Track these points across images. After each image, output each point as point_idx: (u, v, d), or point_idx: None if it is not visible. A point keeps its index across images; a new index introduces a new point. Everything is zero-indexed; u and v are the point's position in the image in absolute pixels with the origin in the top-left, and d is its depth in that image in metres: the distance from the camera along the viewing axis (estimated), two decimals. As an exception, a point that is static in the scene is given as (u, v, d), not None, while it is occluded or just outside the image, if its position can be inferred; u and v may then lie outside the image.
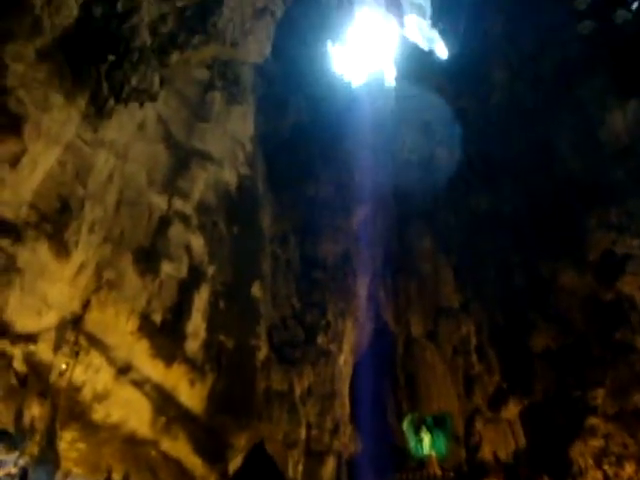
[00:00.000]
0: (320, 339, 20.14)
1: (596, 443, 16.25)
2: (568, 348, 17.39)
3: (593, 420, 16.43)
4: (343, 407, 19.57)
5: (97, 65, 15.52)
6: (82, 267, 15.37)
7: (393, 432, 19.68)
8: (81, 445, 14.76)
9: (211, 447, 16.77)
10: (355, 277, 21.85)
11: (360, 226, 23.15)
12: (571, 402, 16.78)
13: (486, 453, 18.24)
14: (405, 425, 19.41)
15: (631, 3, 17.29)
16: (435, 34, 27.32)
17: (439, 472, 17.51)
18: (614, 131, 17.80)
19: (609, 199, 17.43)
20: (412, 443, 19.00)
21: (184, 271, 18.00)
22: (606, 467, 15.74)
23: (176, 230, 18.15)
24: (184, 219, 18.54)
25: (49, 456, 13.93)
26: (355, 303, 21.46)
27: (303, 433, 18.52)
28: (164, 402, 16.52)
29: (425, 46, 27.86)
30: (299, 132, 24.04)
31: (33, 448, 13.58)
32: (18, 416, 13.64)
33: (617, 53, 17.96)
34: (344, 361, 20.30)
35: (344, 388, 19.95)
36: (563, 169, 18.99)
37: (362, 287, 21.87)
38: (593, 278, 17.15)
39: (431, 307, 21.38)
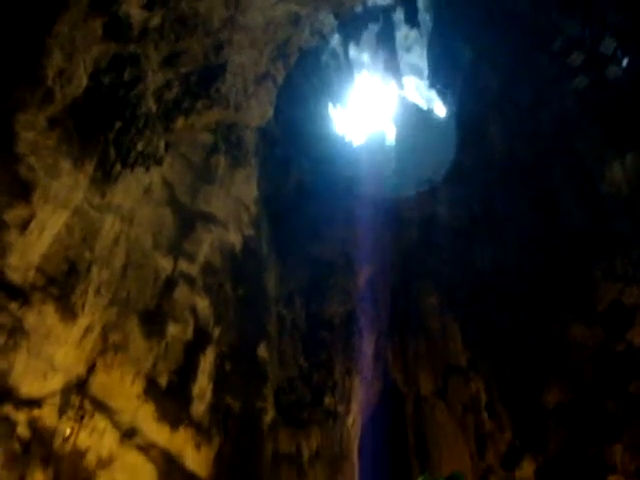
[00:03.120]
0: (327, 400, 19.82)
1: (619, 504, 15.76)
2: (581, 403, 17.06)
3: (613, 478, 15.95)
4: (352, 469, 19.03)
5: (104, 131, 15.98)
6: (88, 330, 15.34)
7: (407, 497, 19.16)
8: (82, 517, 14.35)
9: (217, 514, 16.32)
10: (361, 336, 21.69)
11: (365, 285, 23.15)
12: (588, 459, 16.34)
13: (502, 514, 17.68)
14: (417, 486, 18.94)
15: (621, 59, 17.82)
16: (433, 94, 28.08)
17: (454, 535, 16.94)
18: (614, 183, 18.03)
19: (614, 250, 17.49)
20: (425, 503, 18.50)
21: (190, 333, 17.94)
22: (630, 530, 15.20)
23: (182, 292, 18.19)
24: (190, 281, 18.60)
25: (52, 526, 13.55)
26: (362, 362, 21.21)
27: (314, 494, 18.03)
28: (169, 467, 16.14)
29: (424, 105, 28.60)
30: (302, 193, 24.39)
31: (35, 519, 13.23)
32: (20, 484, 13.35)
33: (612, 107, 18.40)
34: (352, 421, 19.88)
35: (353, 449, 19.46)
36: (566, 222, 19.13)
37: (369, 346, 21.67)
38: (602, 330, 17.02)
39: (440, 365, 21.07)
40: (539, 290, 19.08)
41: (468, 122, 23.09)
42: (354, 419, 20.01)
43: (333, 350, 21.12)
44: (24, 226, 13.81)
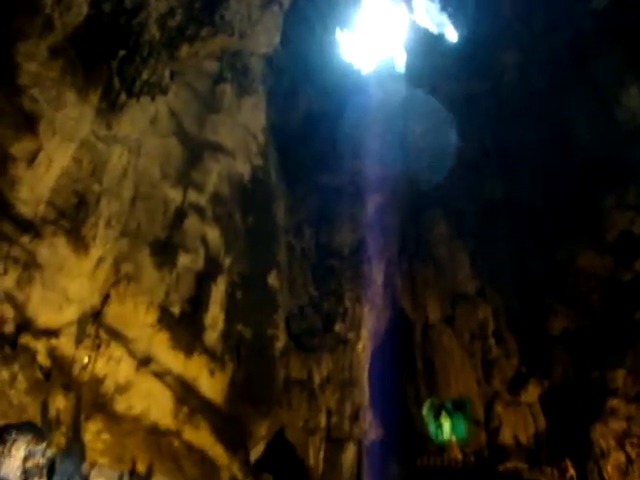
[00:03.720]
0: (338, 327, 20.21)
1: (617, 425, 16.20)
2: (587, 330, 17.31)
3: (614, 402, 16.36)
4: (362, 394, 19.62)
5: (108, 61, 15.64)
6: (100, 261, 15.55)
7: (412, 418, 19.71)
8: (106, 436, 14.95)
9: (233, 436, 16.93)
10: (371, 264, 21.86)
11: (374, 214, 23.14)
12: (591, 384, 16.74)
13: (506, 437, 18.23)
14: (425, 410, 19.52)
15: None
16: (444, 18, 27.04)
17: (460, 456, 17.64)
18: (630, 110, 17.58)
19: (627, 179, 17.27)
20: (432, 428, 19.11)
21: (201, 263, 18.13)
22: (628, 449, 15.69)
23: (191, 222, 18.27)
24: (199, 211, 18.64)
25: (75, 447, 14.18)
26: (372, 290, 21.46)
27: (323, 420, 18.63)
28: (185, 393, 16.70)
29: (434, 30, 27.61)
30: (310, 121, 24.06)
31: (59, 439, 13.82)
32: (44, 409, 13.89)
33: (631, 29, 17.69)
34: (362, 348, 20.33)
35: (363, 375, 20.00)
36: (579, 150, 18.84)
37: (378, 274, 21.87)
38: (611, 259, 17.03)
39: (448, 293, 21.36)
40: (549, 219, 19.00)
41: (480, 47, 22.36)
42: (364, 345, 20.45)
43: (343, 278, 21.36)
44: (32, 159, 13.77)
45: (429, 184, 22.45)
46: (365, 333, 20.59)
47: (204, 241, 18.47)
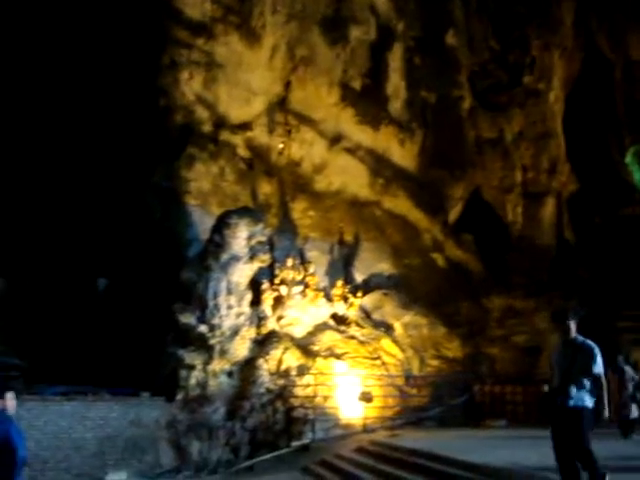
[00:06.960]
0: (526, 79, 18.74)
1: None
2: None
3: None
4: (558, 146, 18.64)
5: None
6: (274, 50, 15.87)
7: (615, 166, 18.55)
8: (312, 213, 16.44)
9: (430, 200, 17.60)
10: (559, 3, 19.37)
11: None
12: None
13: None
14: (629, 158, 18.21)
15: None
16: None
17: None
18: None
19: None
20: (637, 176, 17.98)
21: (373, 33, 17.62)
22: None
23: (356, -7, 17.42)
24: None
25: (287, 225, 15.87)
26: (562, 33, 19.20)
27: (519, 177, 18.27)
28: (379, 165, 17.43)
29: None
30: None
31: (272, 220, 15.51)
32: (253, 195, 15.47)
33: None
34: (555, 98, 18.82)
35: (557, 127, 18.78)
36: None
37: (568, 13, 19.30)
38: None
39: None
40: None
41: None
42: (556, 96, 18.92)
43: (527, 25, 19.25)
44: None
45: None
46: (557, 82, 18.90)
47: (373, 9, 17.69)
